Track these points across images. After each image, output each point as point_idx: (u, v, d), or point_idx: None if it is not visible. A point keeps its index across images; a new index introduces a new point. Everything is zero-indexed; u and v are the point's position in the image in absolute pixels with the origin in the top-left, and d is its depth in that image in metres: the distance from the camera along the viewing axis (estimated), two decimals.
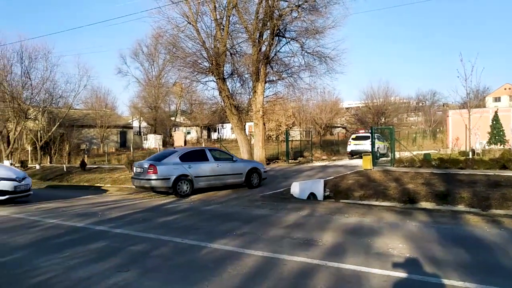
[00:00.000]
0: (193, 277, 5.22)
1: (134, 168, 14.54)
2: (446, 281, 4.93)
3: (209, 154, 14.93)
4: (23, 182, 12.95)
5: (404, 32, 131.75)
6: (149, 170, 13.47)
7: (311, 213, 9.95)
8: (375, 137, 25.47)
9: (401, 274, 5.17)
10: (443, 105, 69.50)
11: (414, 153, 21.74)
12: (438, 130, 46.56)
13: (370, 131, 22.29)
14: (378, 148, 24.63)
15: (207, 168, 14.48)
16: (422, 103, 77.99)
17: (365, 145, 24.36)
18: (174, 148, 17.69)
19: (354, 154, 25.84)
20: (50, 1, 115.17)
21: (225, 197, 13.43)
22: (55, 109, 36.02)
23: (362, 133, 28.32)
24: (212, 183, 14.68)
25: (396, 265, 5.55)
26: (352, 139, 28.00)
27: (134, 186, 15.11)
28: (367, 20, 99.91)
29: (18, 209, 11.50)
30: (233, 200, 12.70)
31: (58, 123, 33.16)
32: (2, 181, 12.39)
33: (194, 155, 14.57)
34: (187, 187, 13.87)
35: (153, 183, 13.55)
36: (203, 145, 30.37)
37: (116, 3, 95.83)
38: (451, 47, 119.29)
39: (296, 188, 13.55)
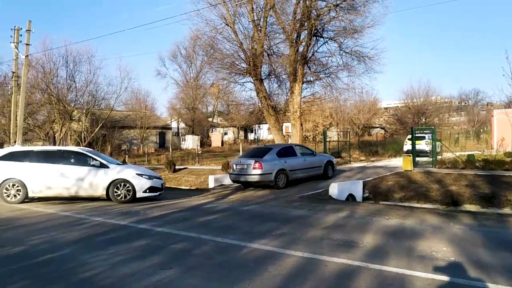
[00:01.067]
0: (234, 276, 5.28)
1: (234, 165, 15.92)
2: (492, 286, 4.78)
3: (296, 150, 16.55)
4: (162, 180, 13.92)
5: (444, 30, 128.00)
6: (254, 166, 14.89)
7: (351, 215, 9.84)
8: (430, 137, 25.72)
9: (445, 278, 5.04)
10: (487, 105, 67.06)
11: (457, 154, 21.10)
12: (482, 130, 44.93)
13: (411, 131, 21.83)
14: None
15: (298, 162, 16.09)
16: (465, 103, 75.59)
17: (421, 145, 24.95)
18: (265, 145, 19.18)
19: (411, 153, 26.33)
20: (93, 6, 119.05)
21: (263, 197, 13.48)
22: (97, 111, 37.16)
23: (418, 133, 28.37)
24: (300, 176, 16.19)
25: (440, 269, 5.41)
26: (408, 139, 28.58)
27: (232, 181, 16.86)
28: (406, 18, 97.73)
29: (65, 207, 11.95)
30: (271, 200, 12.72)
31: (101, 124, 34.24)
32: (155, 179, 13.36)
33: (286, 151, 16.11)
34: (284, 180, 15.33)
35: (258, 177, 14.99)
36: (240, 146, 30.54)
37: (156, 6, 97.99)
38: (495, 44, 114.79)
39: (334, 189, 13.44)
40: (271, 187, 15.10)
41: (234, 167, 15.77)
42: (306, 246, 6.71)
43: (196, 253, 6.47)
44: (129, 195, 12.63)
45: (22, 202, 12.31)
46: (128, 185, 12.64)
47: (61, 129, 32.01)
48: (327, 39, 22.58)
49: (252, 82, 23.25)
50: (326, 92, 24.65)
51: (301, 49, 22.31)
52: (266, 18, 22.24)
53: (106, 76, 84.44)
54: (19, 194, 12.33)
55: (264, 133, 56.61)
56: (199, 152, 34.86)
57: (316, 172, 16.77)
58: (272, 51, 23.24)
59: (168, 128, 54.69)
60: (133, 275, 5.43)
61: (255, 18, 22.29)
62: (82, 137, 33.26)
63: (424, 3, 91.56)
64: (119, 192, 12.61)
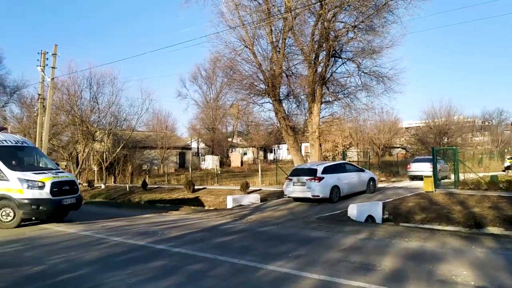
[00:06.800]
0: None
1: (413, 166, 25.54)
2: None
3: (440, 160, 23.90)
4: None
5: (467, 50, 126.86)
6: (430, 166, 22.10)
7: (369, 237, 9.70)
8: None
9: None
10: (511, 124, 65.68)
11: (480, 175, 20.68)
12: (506, 150, 43.98)
13: (432, 151, 21.68)
14: None
15: (441, 166, 22.98)
16: (488, 122, 74.27)
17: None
18: (423, 156, 29.78)
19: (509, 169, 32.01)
20: (117, 30, 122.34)
21: (281, 218, 13.41)
22: (119, 131, 37.71)
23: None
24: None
25: None
26: (508, 158, 35.38)
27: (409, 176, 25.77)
28: (428, 38, 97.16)
29: (85, 226, 12.12)
30: (289, 221, 12.64)
31: (122, 144, 34.74)
32: None
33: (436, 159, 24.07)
34: (440, 176, 21.48)
35: (430, 173, 20.80)
36: (259, 166, 30.45)
37: (178, 28, 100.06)
38: None
39: (353, 210, 13.29)
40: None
41: (414, 168, 25.34)
42: (323, 269, 6.63)
43: (212, 275, 6.47)
44: (373, 188, 18.57)
45: (338, 201, 16.11)
46: (372, 182, 18.61)
47: (84, 149, 32.61)
48: (346, 60, 22.62)
49: (270, 103, 23.39)
50: (345, 112, 24.62)
51: (319, 69, 22.38)
52: (285, 39, 22.46)
53: (128, 97, 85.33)
54: (338, 196, 16.52)
55: (284, 153, 56.49)
56: (218, 172, 34.98)
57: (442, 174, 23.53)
58: (290, 72, 23.37)
59: (188, 148, 55.13)
60: None
61: (274, 40, 22.53)
62: (104, 157, 33.77)
63: (446, 23, 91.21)
64: (370, 187, 18.36)
